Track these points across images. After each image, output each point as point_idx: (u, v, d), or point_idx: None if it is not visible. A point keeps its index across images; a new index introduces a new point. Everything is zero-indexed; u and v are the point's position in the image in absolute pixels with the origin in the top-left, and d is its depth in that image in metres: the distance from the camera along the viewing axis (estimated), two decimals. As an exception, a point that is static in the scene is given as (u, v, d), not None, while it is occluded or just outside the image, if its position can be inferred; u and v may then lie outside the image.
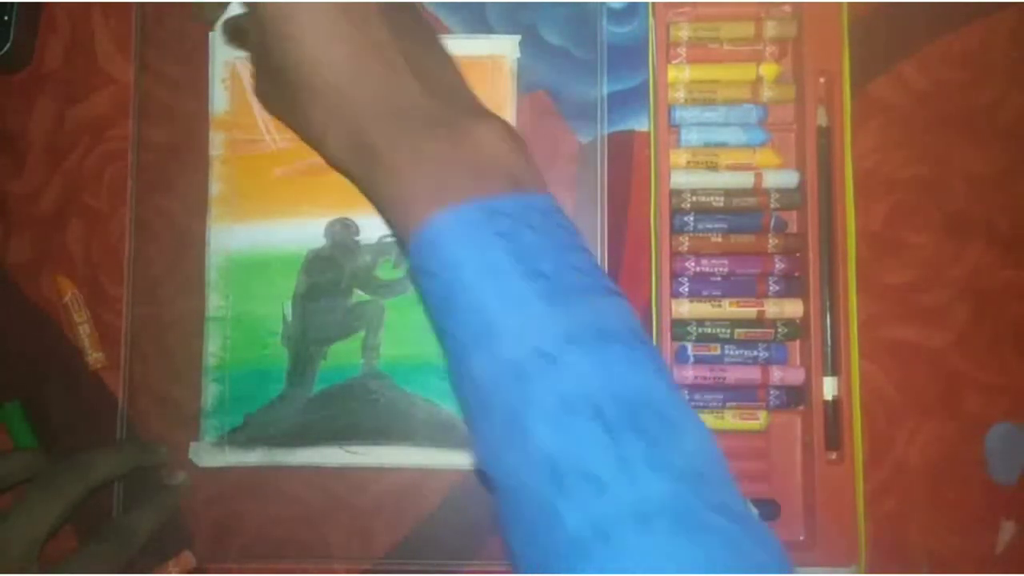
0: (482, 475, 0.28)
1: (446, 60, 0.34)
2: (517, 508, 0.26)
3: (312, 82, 0.31)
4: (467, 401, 0.29)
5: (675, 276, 0.41)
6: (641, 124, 0.42)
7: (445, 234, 0.28)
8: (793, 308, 0.40)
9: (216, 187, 0.42)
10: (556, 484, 0.25)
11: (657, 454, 0.25)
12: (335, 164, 0.33)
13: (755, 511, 0.39)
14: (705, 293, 0.41)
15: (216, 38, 0.42)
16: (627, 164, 0.42)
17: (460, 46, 0.42)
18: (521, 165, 0.30)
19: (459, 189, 0.29)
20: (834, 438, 0.39)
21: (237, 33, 0.34)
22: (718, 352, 0.40)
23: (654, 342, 0.40)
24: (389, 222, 0.31)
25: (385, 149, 0.30)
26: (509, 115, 0.42)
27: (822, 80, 0.41)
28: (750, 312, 0.40)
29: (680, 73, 0.41)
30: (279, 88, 0.33)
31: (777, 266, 0.40)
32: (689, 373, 0.40)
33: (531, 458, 0.26)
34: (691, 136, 0.41)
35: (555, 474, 0.25)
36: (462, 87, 0.34)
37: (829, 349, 0.39)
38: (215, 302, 0.42)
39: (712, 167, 0.41)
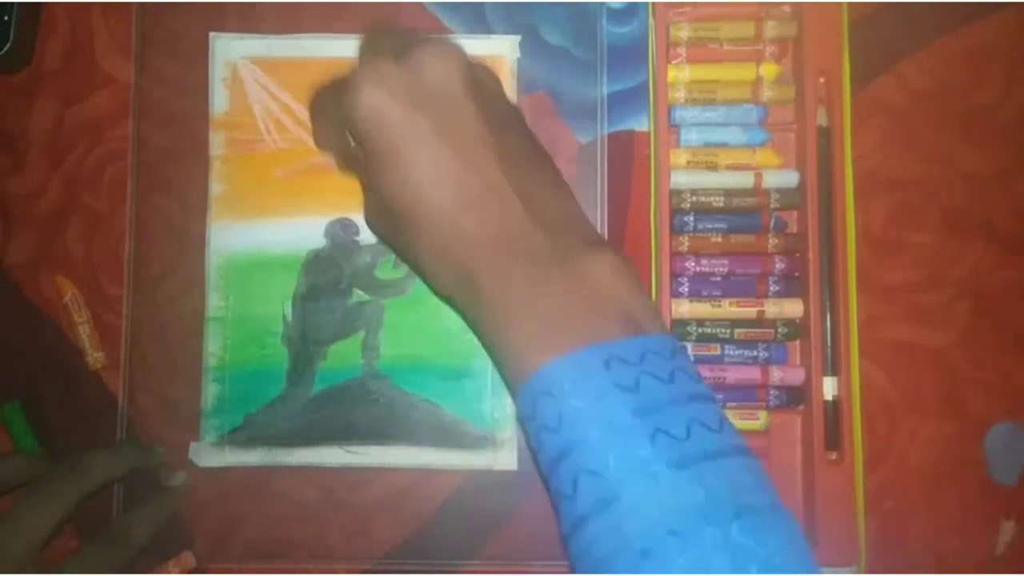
0: None
1: (558, 185, 0.33)
2: None
3: (420, 218, 0.30)
4: (579, 562, 0.27)
5: (675, 276, 0.41)
6: (641, 124, 0.42)
7: (560, 383, 0.26)
8: (793, 308, 0.40)
9: (216, 187, 0.42)
10: None
11: None
12: (443, 297, 0.32)
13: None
14: (705, 293, 0.41)
15: (216, 38, 0.43)
16: (627, 164, 0.42)
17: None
18: (638, 303, 0.29)
19: (573, 334, 0.27)
20: (834, 438, 0.39)
21: (352, 162, 0.34)
22: (718, 352, 0.40)
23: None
24: (498, 365, 0.30)
25: (493, 288, 0.29)
26: (509, 115, 0.42)
27: (822, 80, 0.41)
28: (750, 312, 0.40)
29: (680, 73, 0.41)
30: (389, 219, 0.32)
31: (777, 266, 0.40)
32: (689, 373, 0.40)
33: None
34: (691, 136, 0.41)
35: None
36: (574, 214, 0.32)
37: (829, 349, 0.39)
38: (215, 302, 0.42)
39: (712, 167, 0.41)
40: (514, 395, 0.29)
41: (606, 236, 0.42)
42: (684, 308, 0.40)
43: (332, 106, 0.33)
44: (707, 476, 0.25)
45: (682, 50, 0.42)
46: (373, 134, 0.30)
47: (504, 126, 0.32)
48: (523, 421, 0.29)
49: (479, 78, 0.32)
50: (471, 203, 0.30)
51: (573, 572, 0.27)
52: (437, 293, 0.32)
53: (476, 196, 0.30)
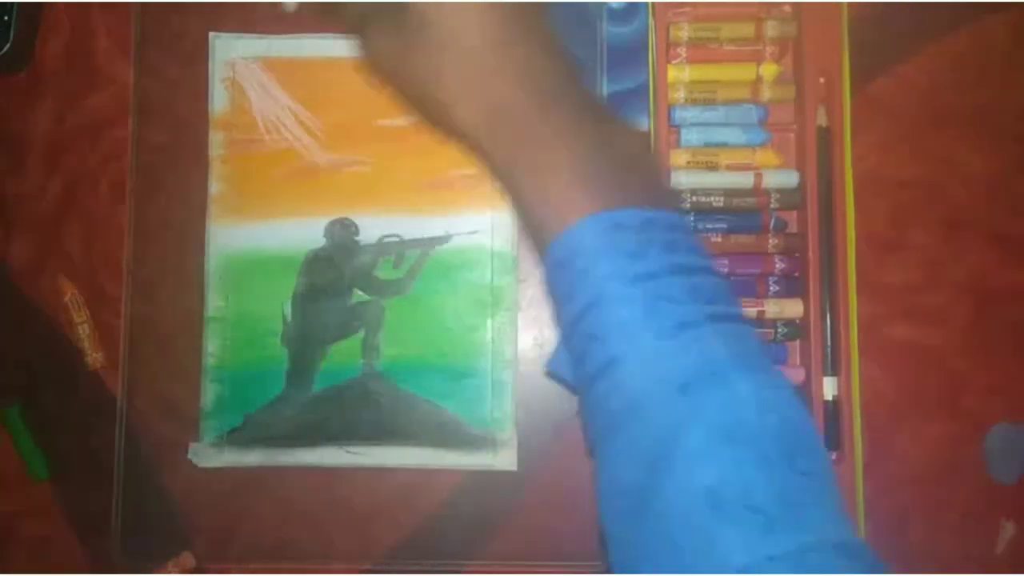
0: (606, 489, 0.28)
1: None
2: (661, 528, 0.25)
3: (457, 44, 0.30)
4: (603, 407, 0.28)
5: (675, 276, 0.41)
6: (641, 124, 0.42)
7: (598, 233, 0.27)
8: (793, 308, 0.40)
9: (216, 187, 0.42)
10: (717, 511, 0.24)
11: (812, 490, 0.25)
12: (461, 134, 0.31)
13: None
14: (705, 293, 0.40)
15: (216, 38, 0.43)
16: (627, 164, 0.42)
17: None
18: (662, 178, 0.31)
19: (614, 195, 0.28)
20: (834, 438, 0.39)
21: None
22: (718, 352, 0.40)
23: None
24: (525, 209, 0.30)
25: (529, 123, 0.29)
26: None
27: (822, 80, 0.41)
28: (750, 312, 0.40)
29: (680, 73, 0.41)
30: (409, 47, 0.31)
31: (777, 266, 0.40)
32: (689, 373, 0.40)
33: (686, 475, 0.25)
34: (691, 136, 0.41)
35: (715, 501, 0.24)
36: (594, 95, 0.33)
37: (829, 349, 0.39)
38: (215, 302, 0.42)
39: (712, 167, 0.41)
40: (543, 245, 0.29)
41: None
42: (684, 308, 0.40)
43: None
44: (737, 333, 0.27)
45: (682, 50, 0.42)
46: None
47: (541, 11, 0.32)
48: (553, 267, 0.29)
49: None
50: (518, 39, 0.30)
51: (589, 418, 0.28)
52: (454, 132, 0.31)
53: (523, 37, 0.30)
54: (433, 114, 0.32)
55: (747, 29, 0.42)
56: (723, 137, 0.41)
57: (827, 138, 0.40)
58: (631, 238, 0.27)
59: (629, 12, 0.43)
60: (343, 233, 0.42)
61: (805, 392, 0.40)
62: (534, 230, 0.30)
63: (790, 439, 0.26)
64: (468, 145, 0.31)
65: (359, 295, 0.42)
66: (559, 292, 0.28)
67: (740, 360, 0.26)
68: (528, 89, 0.29)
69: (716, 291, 0.28)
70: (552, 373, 0.31)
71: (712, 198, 0.41)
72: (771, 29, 0.41)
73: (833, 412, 0.39)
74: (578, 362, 0.28)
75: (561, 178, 0.28)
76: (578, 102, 0.30)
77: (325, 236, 0.42)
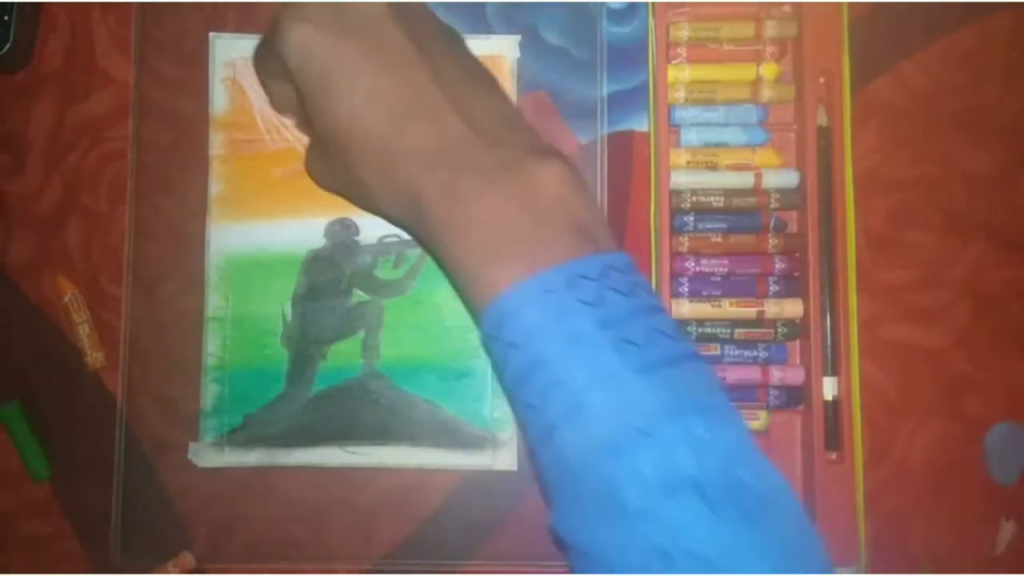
0: (558, 540, 0.28)
1: (495, 91, 0.33)
2: None
3: (356, 142, 0.30)
4: (550, 472, 0.28)
5: (675, 276, 0.41)
6: (641, 124, 0.42)
7: (525, 302, 0.27)
8: (793, 308, 0.40)
9: (216, 187, 0.42)
10: (665, 563, 0.25)
11: (758, 531, 0.25)
12: (397, 225, 0.32)
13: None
14: (705, 293, 0.41)
15: (216, 38, 0.43)
16: (627, 164, 0.42)
17: (460, 46, 0.42)
18: (590, 215, 0.29)
19: (535, 255, 0.28)
20: (834, 438, 0.39)
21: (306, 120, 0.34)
22: (718, 352, 0.40)
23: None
24: (457, 284, 0.30)
25: (439, 206, 0.29)
26: (509, 115, 0.42)
27: (822, 80, 0.41)
28: (750, 312, 0.40)
29: (680, 73, 0.41)
30: (329, 159, 0.32)
31: (777, 266, 0.40)
32: (689, 373, 0.40)
33: (632, 535, 0.25)
34: (691, 136, 0.41)
35: (663, 554, 0.25)
36: (514, 119, 0.32)
37: (829, 349, 0.39)
38: (215, 302, 0.42)
39: (712, 167, 0.41)
40: (476, 316, 0.29)
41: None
42: (684, 308, 0.40)
43: (270, 58, 0.33)
44: (668, 380, 0.27)
45: (682, 50, 0.42)
46: (304, 69, 0.30)
47: (435, 45, 0.31)
48: (488, 340, 0.29)
49: (404, 3, 0.31)
50: (405, 119, 0.29)
51: (543, 481, 0.29)
52: (390, 221, 0.32)
53: (409, 111, 0.29)
54: (368, 210, 0.33)
55: (747, 29, 0.42)
56: (723, 137, 0.41)
57: (827, 138, 0.40)
58: (585, 286, 0.27)
59: (629, 12, 0.43)
60: (343, 233, 0.42)
61: (805, 392, 0.40)
62: (467, 304, 0.30)
63: (731, 478, 0.26)
64: (408, 234, 0.32)
65: (359, 295, 0.42)
66: (508, 340, 0.28)
67: (691, 403, 0.27)
68: (437, 173, 0.29)
69: (672, 330, 0.28)
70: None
71: (712, 198, 0.41)
72: (771, 29, 0.41)
73: (833, 412, 0.39)
74: (534, 409, 0.28)
75: (480, 251, 0.28)
76: (492, 160, 0.29)
77: (325, 236, 0.42)
